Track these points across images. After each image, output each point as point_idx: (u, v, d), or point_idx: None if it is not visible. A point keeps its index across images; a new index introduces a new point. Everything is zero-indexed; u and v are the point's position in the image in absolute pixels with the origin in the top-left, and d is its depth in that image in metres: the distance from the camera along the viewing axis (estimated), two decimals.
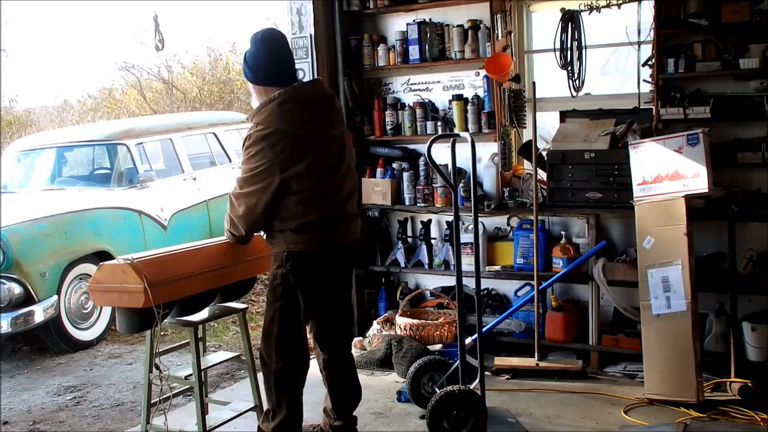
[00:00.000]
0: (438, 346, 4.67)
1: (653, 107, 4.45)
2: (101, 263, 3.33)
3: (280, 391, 3.36)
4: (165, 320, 3.37)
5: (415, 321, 4.86)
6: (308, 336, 3.68)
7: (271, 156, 3.10)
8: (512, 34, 5.00)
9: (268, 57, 3.25)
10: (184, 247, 3.55)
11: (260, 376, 3.50)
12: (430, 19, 5.13)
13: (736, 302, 4.23)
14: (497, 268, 5.00)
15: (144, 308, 3.15)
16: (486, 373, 4.06)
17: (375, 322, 5.21)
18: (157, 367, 3.49)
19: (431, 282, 5.41)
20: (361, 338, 5.22)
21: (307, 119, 3.20)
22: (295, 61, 5.12)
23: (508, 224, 5.13)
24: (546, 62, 5.01)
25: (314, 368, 3.67)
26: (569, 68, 4.72)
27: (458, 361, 3.79)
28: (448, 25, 5.09)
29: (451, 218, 5.05)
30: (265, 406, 3.48)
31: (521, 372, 4.55)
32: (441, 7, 5.11)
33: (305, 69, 5.21)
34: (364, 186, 5.35)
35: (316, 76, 5.15)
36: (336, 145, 3.31)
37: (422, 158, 5.21)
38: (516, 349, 4.85)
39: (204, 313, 3.59)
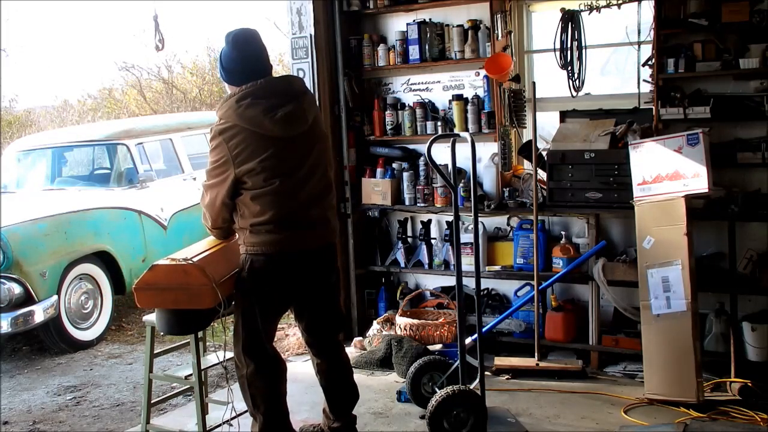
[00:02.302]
0: (438, 346, 4.67)
1: (653, 107, 4.45)
2: (153, 264, 3.25)
3: (254, 395, 3.34)
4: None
5: (415, 321, 4.86)
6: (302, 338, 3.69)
7: (227, 151, 3.13)
8: (512, 34, 5.00)
9: (241, 59, 3.23)
10: (213, 244, 3.46)
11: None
12: (430, 19, 5.13)
13: (736, 302, 4.23)
14: (497, 268, 5.00)
15: (200, 309, 3.18)
16: (486, 373, 4.06)
17: (375, 322, 5.22)
18: (225, 367, 3.52)
19: (431, 282, 5.41)
20: (361, 338, 5.22)
21: (263, 114, 3.12)
22: (295, 61, 5.25)
23: (508, 224, 5.13)
24: (546, 62, 5.01)
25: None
26: (569, 68, 4.71)
27: (458, 361, 3.79)
28: (448, 25, 5.09)
29: (451, 218, 5.04)
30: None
31: (521, 372, 4.55)
32: (441, 7, 5.10)
33: (305, 69, 5.21)
34: (364, 186, 5.36)
35: (315, 76, 5.17)
36: (301, 144, 3.23)
37: (422, 158, 5.21)
38: (516, 349, 4.85)
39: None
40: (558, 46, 4.69)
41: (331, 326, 3.58)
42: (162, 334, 3.49)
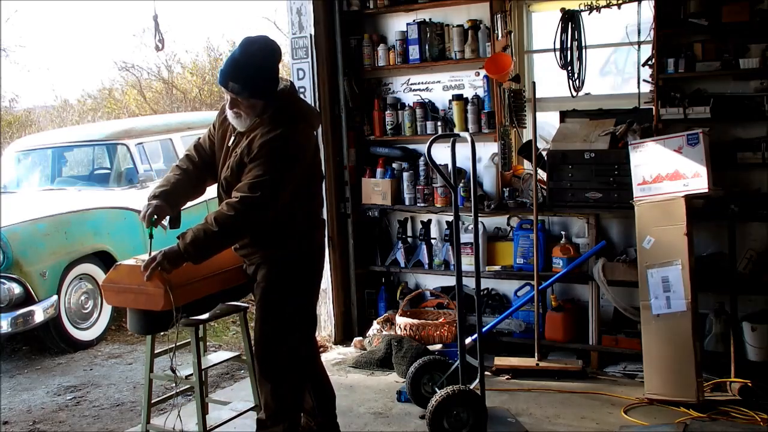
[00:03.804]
0: (438, 346, 4.67)
1: (653, 107, 4.45)
2: (117, 263, 3.28)
3: (292, 400, 3.33)
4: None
5: (415, 321, 4.86)
6: None
7: (303, 154, 3.16)
8: (512, 34, 5.00)
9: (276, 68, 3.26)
10: None
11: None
12: (430, 19, 5.13)
13: (736, 302, 4.23)
14: (497, 268, 5.00)
15: (161, 311, 3.14)
16: (486, 373, 4.07)
17: (375, 322, 5.22)
18: (173, 370, 3.49)
19: (431, 282, 5.41)
20: (361, 338, 5.23)
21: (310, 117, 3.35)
22: (295, 61, 5.26)
23: (508, 224, 5.13)
24: (546, 62, 5.01)
25: None
26: (569, 68, 4.72)
27: (458, 361, 3.79)
28: (448, 25, 5.09)
29: (451, 218, 5.05)
30: (261, 413, 3.41)
31: (521, 372, 4.55)
32: (441, 7, 5.11)
33: (305, 69, 5.22)
34: (364, 186, 5.36)
35: (315, 76, 5.18)
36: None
37: (422, 158, 5.21)
38: (516, 349, 4.85)
39: (205, 313, 3.59)
40: (558, 46, 4.69)
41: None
42: (133, 333, 3.47)
